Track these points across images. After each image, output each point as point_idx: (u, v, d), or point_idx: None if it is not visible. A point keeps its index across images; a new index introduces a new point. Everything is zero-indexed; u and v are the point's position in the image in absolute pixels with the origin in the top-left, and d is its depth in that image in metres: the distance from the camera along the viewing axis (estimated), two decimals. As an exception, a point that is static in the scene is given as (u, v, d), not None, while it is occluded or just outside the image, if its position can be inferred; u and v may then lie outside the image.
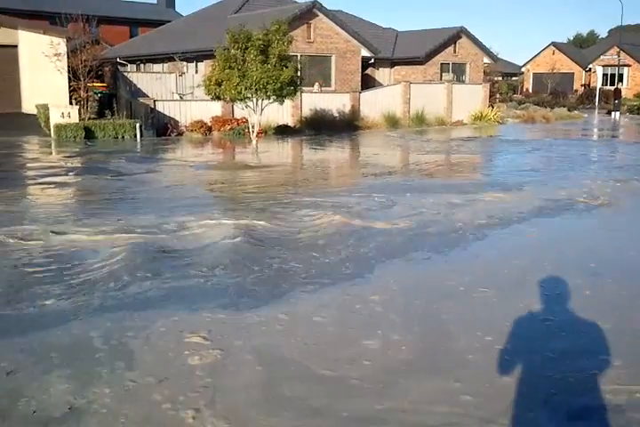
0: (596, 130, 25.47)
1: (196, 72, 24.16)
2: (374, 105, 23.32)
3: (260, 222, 7.08)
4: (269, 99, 16.58)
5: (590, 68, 48.51)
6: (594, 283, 5.13)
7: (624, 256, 6.07)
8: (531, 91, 48.05)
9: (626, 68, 48.31)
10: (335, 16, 25.22)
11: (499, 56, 51.84)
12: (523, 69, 53.64)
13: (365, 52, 26.02)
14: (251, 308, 4.50)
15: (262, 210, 7.87)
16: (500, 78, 49.66)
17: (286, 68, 16.33)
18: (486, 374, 3.50)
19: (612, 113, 31.36)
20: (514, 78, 53.75)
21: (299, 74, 17.47)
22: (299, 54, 23.52)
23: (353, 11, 65.36)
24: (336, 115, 22.17)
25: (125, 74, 23.51)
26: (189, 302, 4.63)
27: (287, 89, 16.52)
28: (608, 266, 5.71)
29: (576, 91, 46.50)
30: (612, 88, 35.54)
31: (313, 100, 21.90)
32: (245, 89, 16.08)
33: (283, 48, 16.38)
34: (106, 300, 4.63)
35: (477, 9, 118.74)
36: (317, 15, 24.13)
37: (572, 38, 74.99)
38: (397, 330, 4.10)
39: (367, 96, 23.47)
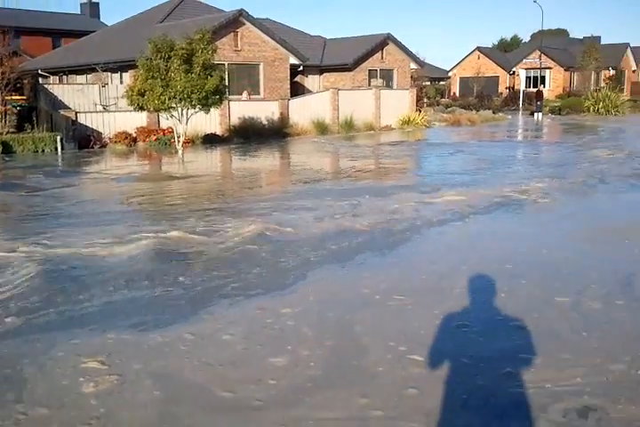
0: (519, 131, 26.17)
1: (121, 82, 23.62)
2: (303, 112, 23.31)
3: (175, 235, 6.87)
4: (195, 108, 16.32)
5: (514, 72, 49.97)
6: (510, 285, 5.15)
7: (542, 256, 6.13)
8: (458, 94, 49.15)
9: (547, 71, 50.04)
10: (262, 24, 25.15)
11: (426, 61, 52.78)
12: (450, 74, 54.84)
13: (294, 60, 26.03)
14: (155, 328, 4.30)
15: (179, 222, 7.65)
16: (428, 83, 50.70)
17: (211, 76, 16.10)
18: (396, 387, 3.42)
19: (535, 114, 32.33)
20: (441, 83, 54.95)
21: (224, 82, 17.28)
22: (226, 63, 23.31)
23: (281, 19, 65.34)
24: (265, 122, 22.04)
25: (46, 86, 22.77)
26: (91, 322, 4.40)
27: (212, 98, 16.30)
28: (525, 267, 5.74)
29: (501, 93, 47.82)
30: (535, 90, 36.65)
31: (241, 109, 21.71)
32: (169, 99, 15.78)
33: (207, 57, 16.16)
34: (4, 324, 4.35)
35: (404, 16, 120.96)
36: (244, 24, 23.99)
37: (496, 43, 77.22)
38: (308, 345, 3.98)
39: (296, 103, 23.43)
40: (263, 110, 22.26)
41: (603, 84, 47.24)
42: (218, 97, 16.54)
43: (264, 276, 5.49)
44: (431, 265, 5.85)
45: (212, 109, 17.16)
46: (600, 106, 33.88)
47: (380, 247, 6.51)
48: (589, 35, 59.23)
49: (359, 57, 30.17)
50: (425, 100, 37.17)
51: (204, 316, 4.54)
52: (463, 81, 51.02)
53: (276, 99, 23.36)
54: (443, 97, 48.22)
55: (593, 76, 46.75)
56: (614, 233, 7.04)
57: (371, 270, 5.69)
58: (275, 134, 21.48)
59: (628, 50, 55.68)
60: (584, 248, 6.49)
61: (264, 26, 25.16)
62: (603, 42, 57.35)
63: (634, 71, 56.95)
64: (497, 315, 4.50)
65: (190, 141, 18.85)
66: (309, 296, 4.95)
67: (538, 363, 3.69)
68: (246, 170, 14.36)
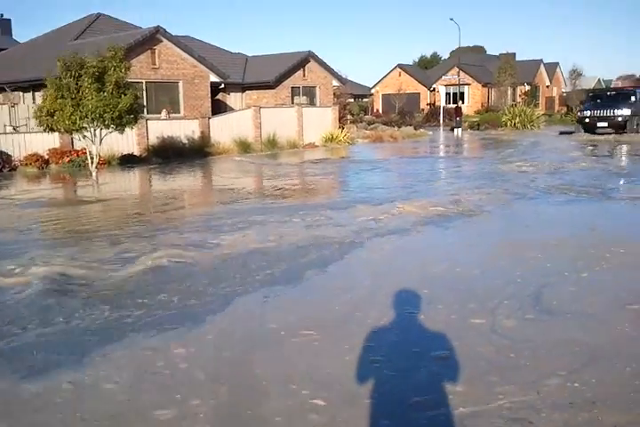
0: (439, 147, 26.54)
1: (34, 102, 22.63)
2: (225, 130, 22.94)
3: (72, 267, 6.39)
4: (108, 128, 15.70)
5: (434, 88, 51.19)
6: (427, 311, 4.95)
7: (457, 275, 5.99)
8: (381, 111, 49.89)
9: (466, 87, 51.49)
10: (180, 41, 24.69)
11: (348, 78, 53.31)
12: (372, 91, 55.68)
13: (214, 78, 25.67)
14: (31, 376, 3.87)
15: (80, 251, 7.16)
16: (352, 100, 51.16)
17: (125, 95, 15.53)
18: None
19: (455, 130, 33.07)
20: (365, 100, 55.61)
21: (140, 101, 16.73)
22: (144, 81, 22.75)
23: (201, 36, 64.73)
24: (185, 142, 21.53)
25: (-48, 106, 21.59)
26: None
27: (127, 117, 15.71)
28: (443, 290, 5.57)
29: (423, 110, 48.83)
30: (454, 106, 37.54)
31: (160, 128, 21.13)
32: (81, 119, 15.11)
33: (120, 75, 15.58)
34: None
35: (326, 33, 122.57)
36: (162, 41, 23.50)
37: (417, 60, 79.09)
38: (199, 392, 3.62)
39: (217, 122, 23.05)
40: (183, 129, 21.77)
41: (519, 100, 48.98)
42: (132, 116, 15.96)
43: (163, 309, 5.11)
44: (345, 293, 5.60)
45: (127, 129, 16.55)
46: (517, 121, 35.01)
47: (289, 269, 6.23)
48: (505, 51, 61.50)
49: (281, 74, 30.11)
50: (348, 116, 37.42)
51: (88, 360, 4.12)
52: (385, 98, 51.86)
53: (197, 117, 22.90)
54: (366, 114, 48.75)
55: (509, 92, 48.37)
56: (527, 248, 7.00)
57: (279, 301, 5.40)
58: (196, 154, 21.00)
59: (542, 66, 58.03)
60: (499, 264, 6.40)
61: (182, 43, 24.72)
62: (518, 58, 59.56)
63: (548, 86, 59.33)
64: (413, 346, 4.28)
65: (106, 163, 18.15)
66: (208, 333, 4.59)
67: (459, 391, 3.47)
68: (163, 192, 13.86)
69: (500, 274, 6.11)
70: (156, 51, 23.39)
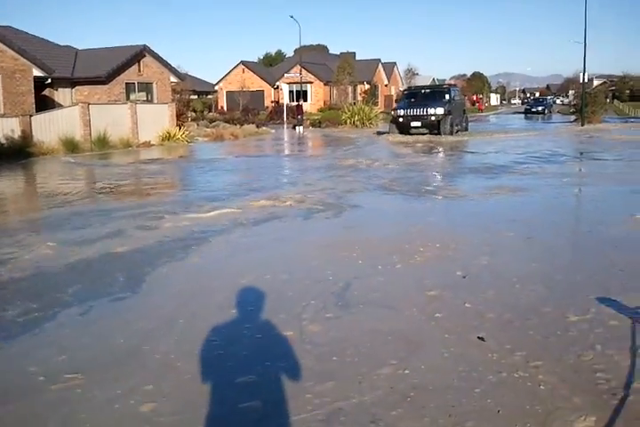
0: (279, 145, 26.40)
1: None
2: (50, 129, 21.36)
3: None
4: None
5: (278, 86, 51.41)
6: (234, 336, 4.62)
7: (266, 282, 5.74)
8: (225, 108, 49.28)
9: (309, 85, 52.25)
10: (-4, 32, 22.70)
11: (191, 74, 52.21)
12: (216, 88, 54.91)
13: (38, 72, 23.85)
14: None
15: None
16: (196, 97, 50.15)
17: None
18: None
19: (297, 127, 33.35)
20: (209, 97, 54.75)
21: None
22: (-47, 74, 20.62)
23: (26, 28, 60.56)
24: (4, 142, 19.76)
25: None
26: None
27: None
28: (252, 303, 5.28)
29: (267, 107, 48.87)
30: (295, 104, 37.88)
31: (-27, 127, 19.25)
32: None
33: None
34: None
35: (169, 29, 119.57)
36: (-27, 30, 21.42)
37: (262, 57, 79.26)
38: None
39: (41, 119, 21.39)
40: (1, 128, 19.97)
41: (359, 98, 50.47)
42: None
43: None
44: (152, 312, 5.16)
45: None
46: (356, 118, 35.91)
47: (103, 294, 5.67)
48: (346, 51, 63.21)
49: (114, 69, 28.65)
50: (190, 114, 36.52)
51: None
52: (230, 95, 51.31)
53: (17, 115, 21.12)
54: (211, 111, 47.98)
55: (350, 90, 49.72)
56: (343, 247, 6.93)
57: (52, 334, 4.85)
58: (15, 155, 19.25)
59: (380, 65, 60.33)
60: (311, 264, 6.24)
61: (0, 34, 22.71)
62: (358, 58, 61.47)
63: (386, 85, 61.79)
64: (217, 377, 3.93)
65: None
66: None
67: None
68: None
69: (311, 274, 5.94)
70: (-32, 41, 21.32)
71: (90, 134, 22.34)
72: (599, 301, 5.03)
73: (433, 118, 25.81)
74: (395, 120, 26.97)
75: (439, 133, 25.72)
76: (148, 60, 30.54)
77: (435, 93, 27.55)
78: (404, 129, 26.47)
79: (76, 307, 5.16)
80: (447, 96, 26.98)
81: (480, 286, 5.56)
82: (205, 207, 9.82)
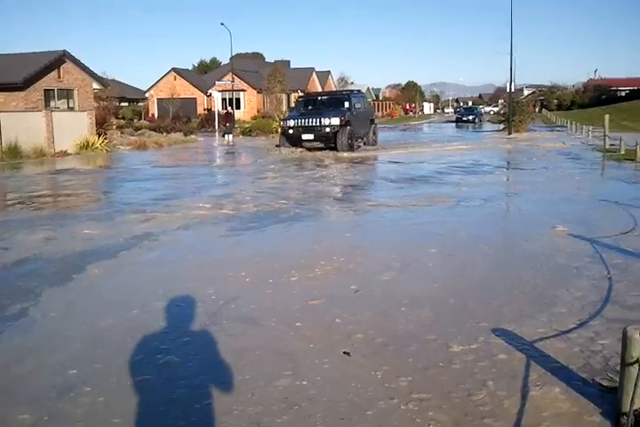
0: (201, 154, 24.79)
1: None
2: (-45, 138, 20.13)
3: None
4: None
5: (210, 94, 50.62)
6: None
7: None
8: (156, 116, 48.11)
9: (242, 93, 51.66)
10: None
11: (122, 81, 50.89)
12: (147, 95, 53.67)
13: (-55, 78, 22.53)
14: None
15: None
16: (126, 104, 48.91)
17: None
18: None
19: (226, 135, 32.69)
20: (140, 104, 53.49)
21: None
22: None
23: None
24: None
25: None
26: None
27: None
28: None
29: (200, 115, 47.99)
30: (225, 112, 37.24)
31: None
32: None
33: None
34: None
35: (97, 35, 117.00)
36: None
37: (196, 65, 78.25)
38: None
39: (-55, 128, 20.15)
40: None
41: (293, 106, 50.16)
42: None
43: None
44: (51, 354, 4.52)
45: None
46: (286, 127, 35.38)
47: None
48: (280, 59, 63.02)
49: (31, 75, 27.26)
50: (116, 121, 35.37)
51: None
52: (161, 102, 50.14)
53: None
54: (141, 118, 46.78)
55: (284, 98, 49.42)
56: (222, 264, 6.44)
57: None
58: None
59: (314, 74, 60.35)
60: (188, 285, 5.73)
61: None
62: (293, 66, 61.32)
63: (321, 94, 61.67)
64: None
65: None
66: None
67: None
68: None
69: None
70: None
71: (0, 144, 21.15)
72: (490, 330, 4.64)
73: (327, 130, 21.89)
74: (284, 132, 23.25)
75: (335, 148, 22.11)
76: (68, 66, 29.31)
77: (331, 101, 23.81)
78: (295, 142, 22.72)
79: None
80: (346, 104, 23.09)
81: (364, 303, 5.26)
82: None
